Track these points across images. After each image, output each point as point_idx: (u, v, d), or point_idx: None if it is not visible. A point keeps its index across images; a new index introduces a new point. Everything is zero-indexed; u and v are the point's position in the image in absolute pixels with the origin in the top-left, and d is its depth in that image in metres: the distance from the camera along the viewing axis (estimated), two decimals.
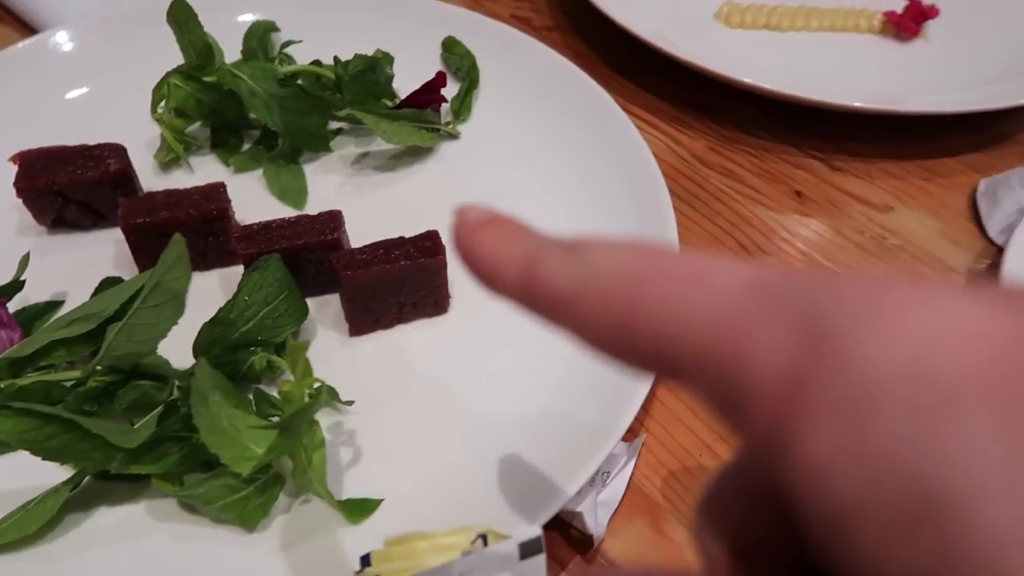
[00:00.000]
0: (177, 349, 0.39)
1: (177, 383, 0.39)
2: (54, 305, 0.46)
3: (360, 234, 0.46)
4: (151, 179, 0.53)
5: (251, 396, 0.41)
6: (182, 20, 0.49)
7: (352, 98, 0.53)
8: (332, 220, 0.45)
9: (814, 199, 0.58)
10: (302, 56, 0.58)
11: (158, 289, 0.34)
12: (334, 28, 0.62)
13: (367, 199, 0.53)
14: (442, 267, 0.44)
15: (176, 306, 0.35)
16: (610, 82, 0.65)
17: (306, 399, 0.36)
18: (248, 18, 0.60)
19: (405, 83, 0.57)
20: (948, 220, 0.57)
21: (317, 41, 0.58)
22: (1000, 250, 0.55)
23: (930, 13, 0.68)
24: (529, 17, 0.72)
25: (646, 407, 0.43)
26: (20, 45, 0.58)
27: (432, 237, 0.44)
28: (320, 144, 0.54)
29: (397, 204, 0.53)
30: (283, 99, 0.51)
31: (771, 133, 0.62)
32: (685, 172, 0.59)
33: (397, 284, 0.43)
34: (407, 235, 0.44)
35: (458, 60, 0.59)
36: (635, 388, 0.40)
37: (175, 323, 0.36)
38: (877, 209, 0.57)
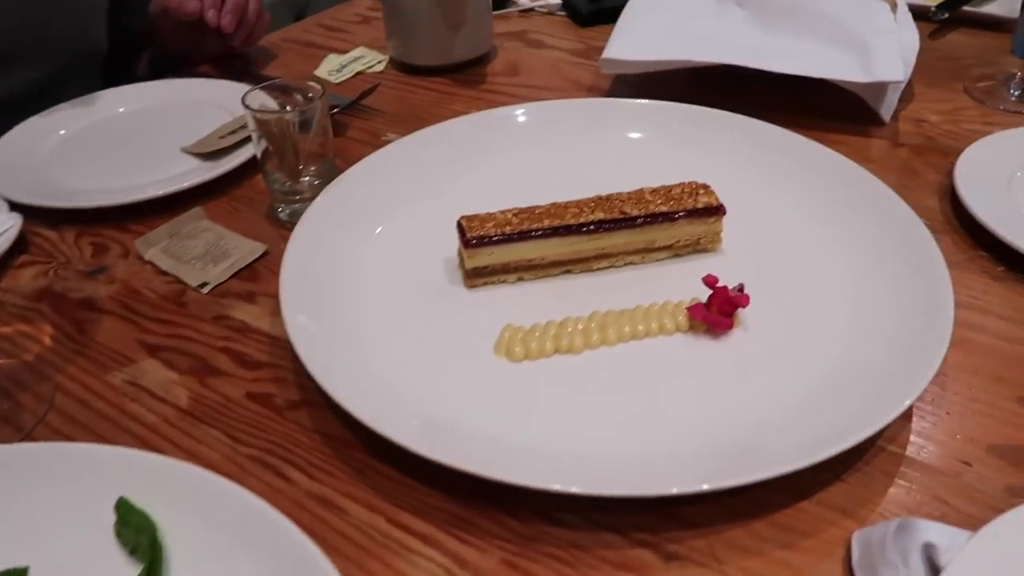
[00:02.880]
0: None
1: None
2: None
3: None
4: None
5: None
6: None
7: None
8: None
9: None
10: None
11: None
12: None
13: None
14: None
15: None
16: (367, 472, 0.50)
17: None
18: None
19: None
20: None
21: None
22: None
23: (739, 301, 0.58)
24: (272, 393, 0.58)
25: None
26: None
27: None
28: None
29: None
30: None
31: (583, 517, 0.48)
32: None
33: None
34: None
35: (134, 536, 0.43)
36: None
37: None
38: None
